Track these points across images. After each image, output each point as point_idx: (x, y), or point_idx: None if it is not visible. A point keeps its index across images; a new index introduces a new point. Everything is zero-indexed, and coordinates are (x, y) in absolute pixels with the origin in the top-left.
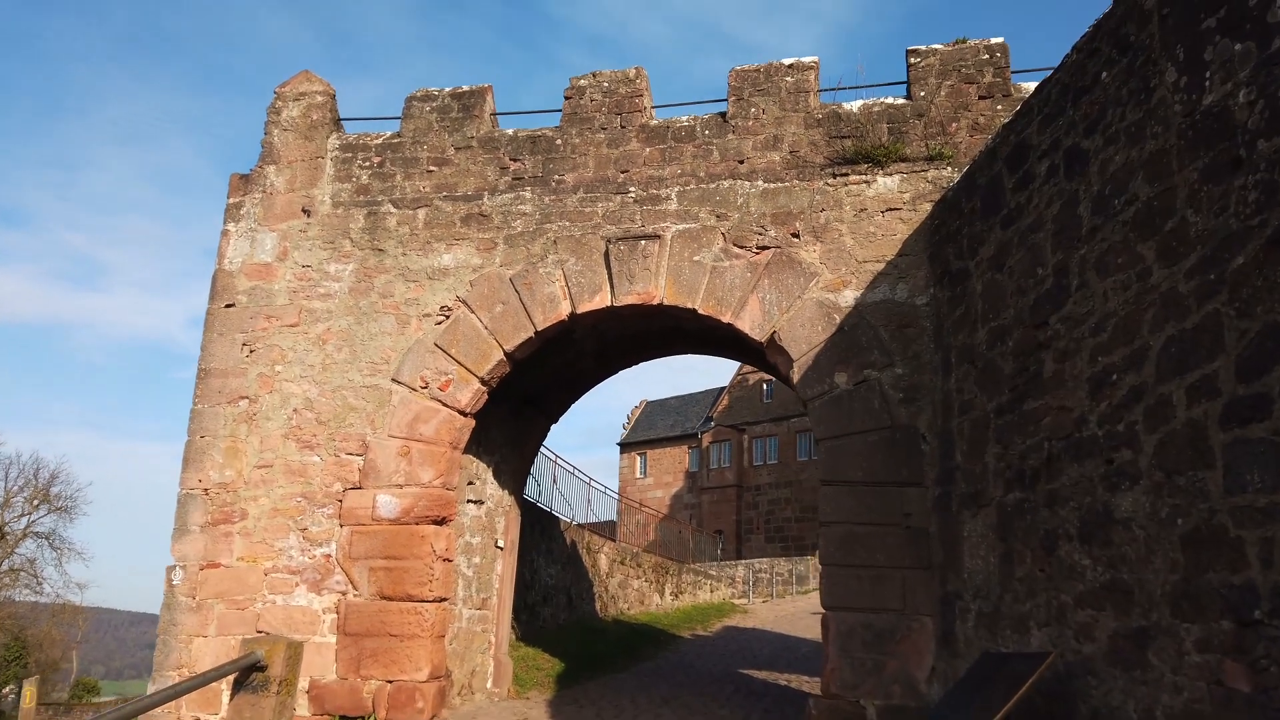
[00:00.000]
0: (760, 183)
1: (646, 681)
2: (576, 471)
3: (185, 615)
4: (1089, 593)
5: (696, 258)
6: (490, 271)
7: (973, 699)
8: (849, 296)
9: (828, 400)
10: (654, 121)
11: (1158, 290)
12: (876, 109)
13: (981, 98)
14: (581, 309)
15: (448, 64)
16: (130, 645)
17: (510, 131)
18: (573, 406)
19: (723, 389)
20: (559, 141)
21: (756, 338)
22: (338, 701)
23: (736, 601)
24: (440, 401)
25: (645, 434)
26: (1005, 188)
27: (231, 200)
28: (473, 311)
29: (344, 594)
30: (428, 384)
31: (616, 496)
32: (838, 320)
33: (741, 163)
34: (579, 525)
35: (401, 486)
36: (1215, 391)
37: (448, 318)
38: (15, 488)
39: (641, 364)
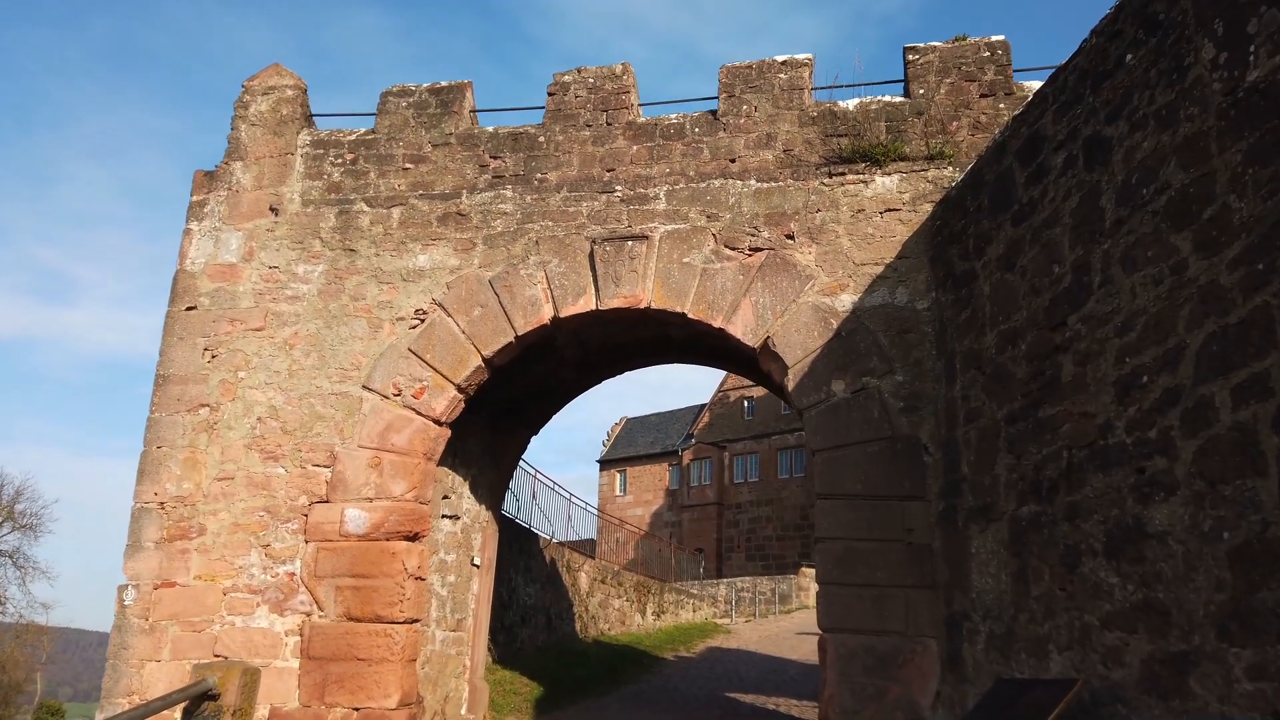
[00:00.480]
0: (753, 182)
1: (629, 706)
2: (557, 487)
3: (137, 638)
4: (1118, 613)
5: (686, 260)
6: (468, 273)
7: None
8: (846, 301)
9: (824, 409)
10: (641, 119)
11: (1195, 284)
12: (874, 107)
13: (983, 95)
14: (565, 312)
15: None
16: (99, 666)
17: (491, 129)
18: (551, 423)
19: (704, 406)
20: (542, 139)
21: (749, 344)
22: None
23: (719, 621)
24: (414, 410)
25: (625, 451)
26: (1016, 182)
27: (195, 198)
28: (449, 315)
29: (308, 615)
30: (400, 391)
31: (598, 513)
32: (835, 325)
33: (733, 161)
34: (559, 543)
35: (371, 500)
36: (1267, 392)
37: (423, 321)
38: None
39: (625, 374)
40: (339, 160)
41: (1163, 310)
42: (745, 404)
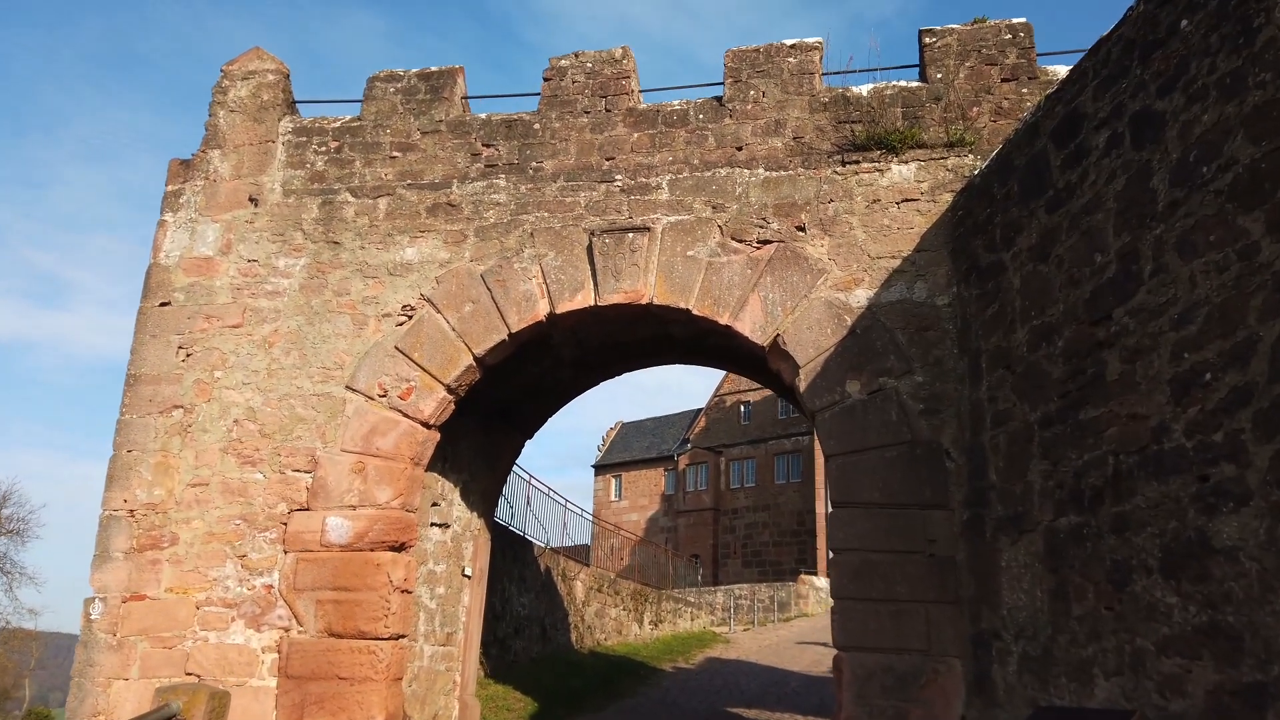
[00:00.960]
0: (761, 171)
1: None
2: (552, 493)
3: (104, 654)
4: (1178, 638)
5: (690, 253)
6: (459, 267)
7: None
8: (861, 296)
9: (839, 412)
10: (642, 105)
11: (1269, 270)
12: (889, 92)
13: (1005, 80)
14: (561, 308)
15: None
16: None
17: (483, 115)
18: (545, 427)
19: (700, 411)
20: (537, 126)
21: (757, 342)
22: None
23: (717, 630)
24: (400, 412)
25: (620, 456)
26: (1051, 166)
27: (170, 188)
28: (439, 311)
29: (287, 630)
30: (386, 392)
31: (594, 520)
32: (849, 322)
33: (740, 149)
34: (553, 550)
35: (355, 508)
36: None
37: (410, 318)
38: None
39: (622, 376)
40: (323, 148)
41: (1229, 300)
42: (742, 409)
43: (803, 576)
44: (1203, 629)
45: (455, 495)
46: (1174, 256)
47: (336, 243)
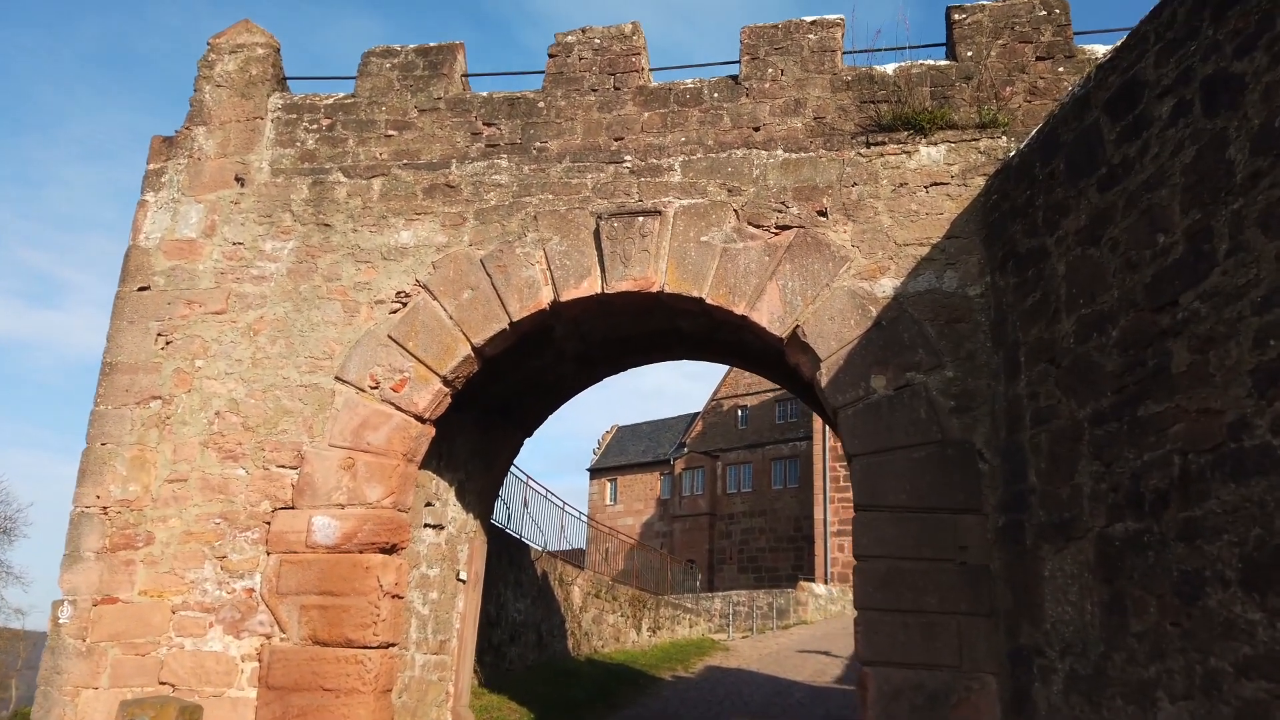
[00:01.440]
0: (780, 152)
1: None
2: (550, 495)
3: (72, 661)
4: (1264, 658)
5: (704, 238)
6: (457, 251)
7: None
8: (887, 286)
9: (863, 409)
10: (653, 84)
11: None
12: (916, 71)
13: (1039, 59)
14: (566, 296)
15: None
16: None
17: (484, 94)
18: (539, 430)
19: (696, 415)
20: (541, 104)
21: (775, 333)
22: None
23: (716, 637)
24: (393, 405)
25: (616, 459)
26: (1104, 140)
27: (151, 166)
28: (435, 298)
29: (268, 637)
30: (378, 384)
31: (594, 523)
32: (874, 313)
33: (757, 130)
34: (550, 554)
35: (343, 507)
36: None
37: (404, 305)
38: None
39: (618, 379)
40: (314, 126)
41: None
42: (739, 413)
43: (802, 583)
44: None
45: (450, 495)
46: (1256, 233)
47: (327, 225)
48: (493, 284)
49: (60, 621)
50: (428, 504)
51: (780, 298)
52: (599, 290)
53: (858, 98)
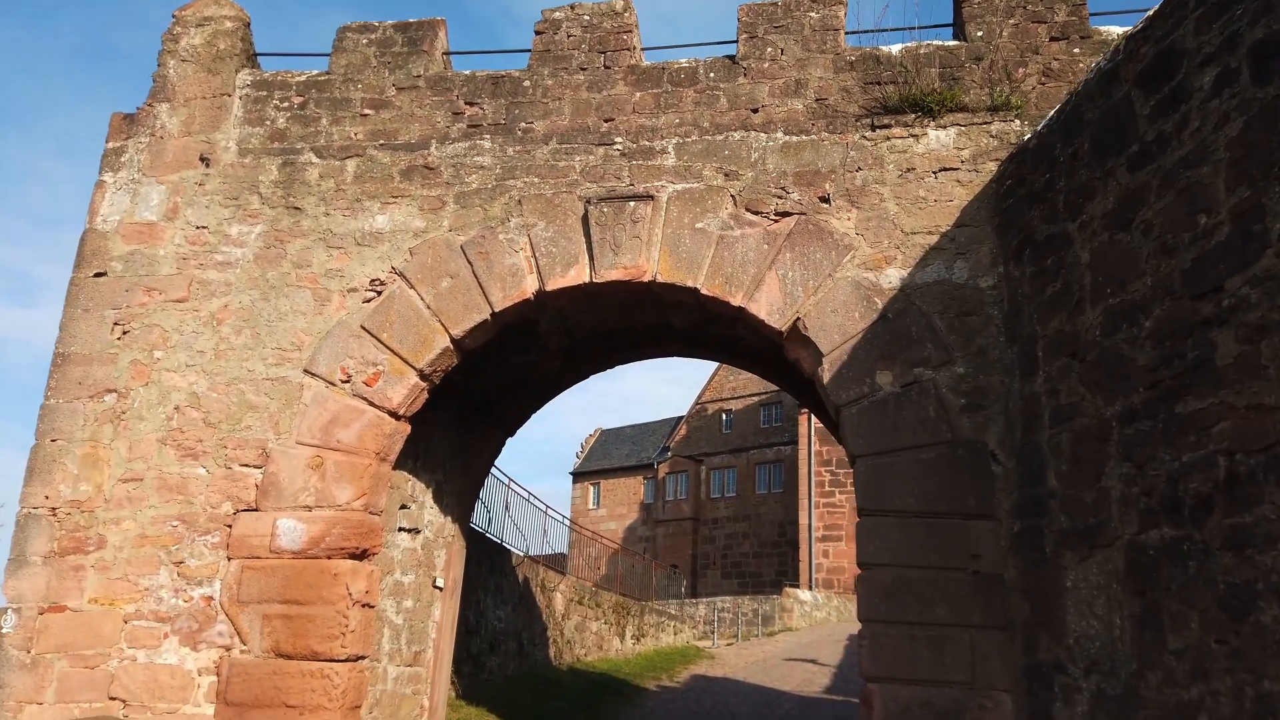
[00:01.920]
0: (779, 135)
1: None
2: (532, 498)
3: (16, 674)
4: None
5: (699, 225)
6: (436, 237)
7: None
8: (893, 276)
9: (868, 406)
10: (646, 63)
11: None
12: (924, 51)
13: (1054, 39)
14: (552, 285)
15: None
16: None
17: (467, 72)
18: (520, 432)
19: (680, 418)
20: (528, 83)
21: (775, 325)
22: None
23: (700, 645)
24: (366, 400)
25: (599, 463)
26: (1136, 115)
27: (110, 145)
28: (412, 286)
29: (228, 649)
30: (350, 377)
31: (578, 528)
32: (879, 305)
33: (755, 111)
34: (532, 559)
35: (311, 509)
36: None
37: (379, 294)
38: None
39: (608, 374)
40: (285, 104)
41: None
42: (723, 417)
43: (787, 590)
44: None
45: (427, 497)
46: None
47: (298, 208)
48: (473, 272)
49: (3, 631)
50: (403, 506)
51: (780, 288)
52: (587, 279)
53: (862, 79)
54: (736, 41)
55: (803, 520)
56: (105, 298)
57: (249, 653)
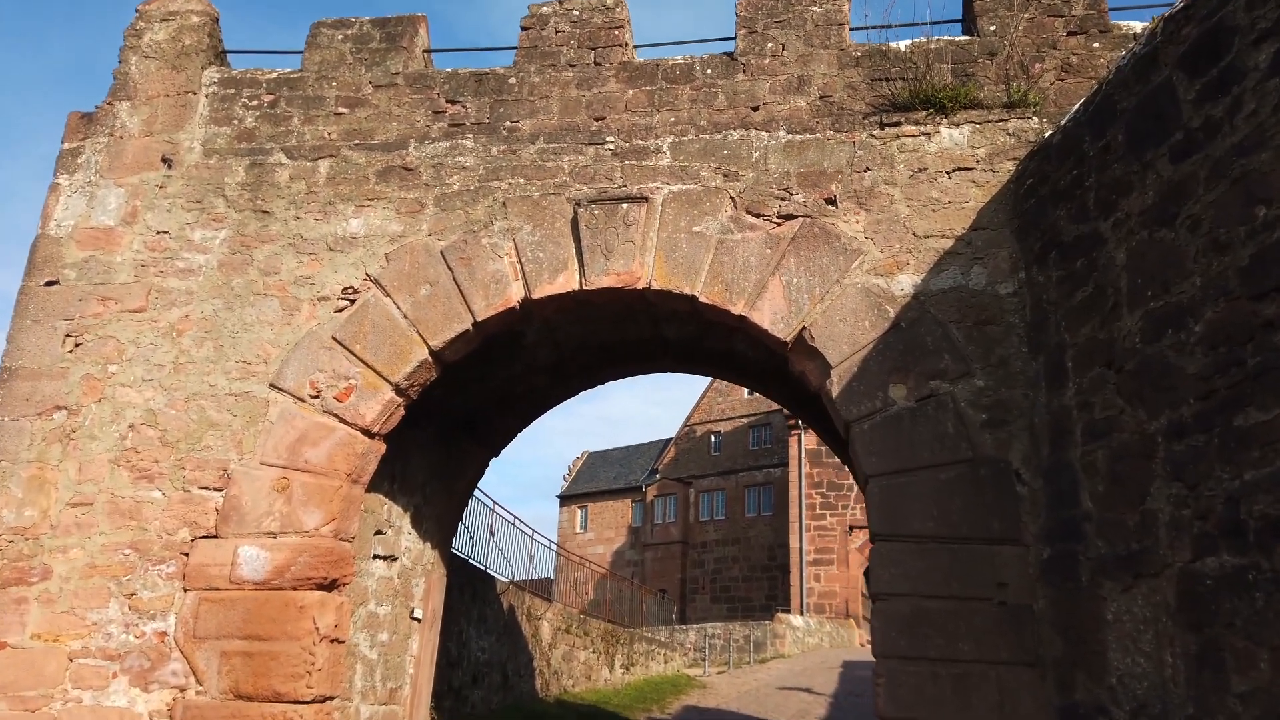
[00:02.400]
0: (782, 134)
1: None
2: (518, 522)
3: None
4: None
5: (697, 228)
6: (414, 242)
7: None
8: (905, 283)
9: (881, 422)
10: (638, 60)
11: None
12: (934, 46)
13: (1071, 33)
14: (539, 293)
15: None
16: None
17: (449, 70)
18: (505, 454)
19: (669, 440)
20: (513, 80)
21: (778, 335)
22: None
23: (691, 673)
24: (337, 416)
25: (587, 486)
26: (1180, 100)
27: (67, 145)
28: (388, 294)
29: (182, 690)
30: (320, 392)
31: (565, 553)
32: (891, 314)
33: (756, 109)
34: (518, 586)
35: (275, 535)
36: None
37: (352, 302)
38: None
39: (590, 399)
40: (254, 102)
41: None
42: (712, 439)
43: (779, 615)
44: None
45: (405, 522)
46: None
47: (266, 212)
48: (454, 278)
49: None
50: (378, 532)
51: (784, 295)
52: (577, 286)
53: (869, 75)
54: (734, 38)
55: (793, 544)
56: (57, 308)
57: (205, 694)
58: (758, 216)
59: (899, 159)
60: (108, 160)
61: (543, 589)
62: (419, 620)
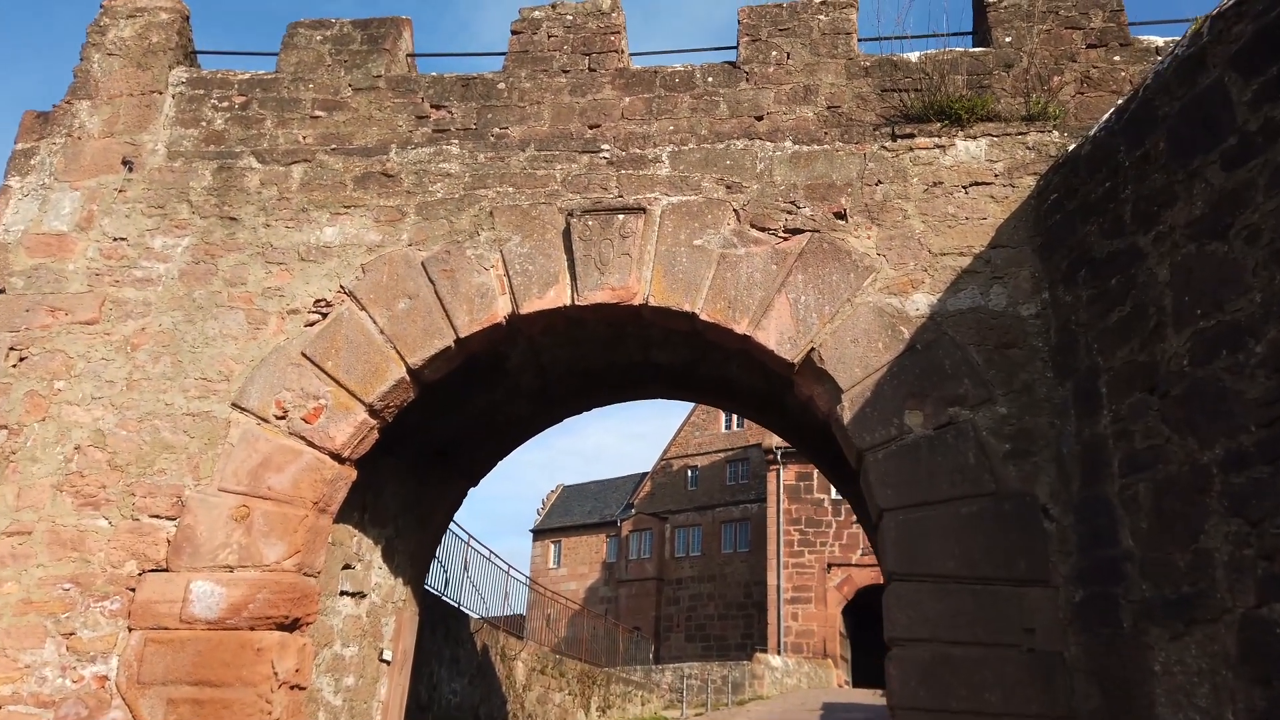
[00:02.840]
0: (788, 144)
1: None
2: (494, 556)
3: None
4: None
5: (698, 241)
6: (393, 252)
7: None
8: (921, 303)
9: (896, 451)
10: (635, 66)
11: None
12: (947, 58)
13: (1091, 46)
14: (527, 308)
15: None
16: None
17: (433, 74)
18: (480, 489)
19: (645, 475)
20: (502, 85)
21: (785, 356)
22: None
23: (668, 715)
24: (304, 439)
25: (561, 520)
26: (1233, 103)
27: (20, 146)
28: (363, 308)
29: None
30: (286, 413)
31: (539, 588)
32: (906, 335)
33: (760, 119)
34: (491, 625)
35: (233, 569)
36: None
37: (325, 316)
38: None
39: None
40: (225, 103)
41: None
42: (689, 473)
43: (757, 655)
44: None
45: (375, 556)
46: None
47: (233, 219)
48: (436, 292)
49: None
50: (346, 566)
51: (791, 314)
52: (568, 301)
53: (879, 85)
54: (736, 47)
55: (771, 581)
56: (1, 319)
57: None
58: (762, 230)
59: (912, 172)
60: (64, 162)
61: (515, 625)
62: (388, 662)
